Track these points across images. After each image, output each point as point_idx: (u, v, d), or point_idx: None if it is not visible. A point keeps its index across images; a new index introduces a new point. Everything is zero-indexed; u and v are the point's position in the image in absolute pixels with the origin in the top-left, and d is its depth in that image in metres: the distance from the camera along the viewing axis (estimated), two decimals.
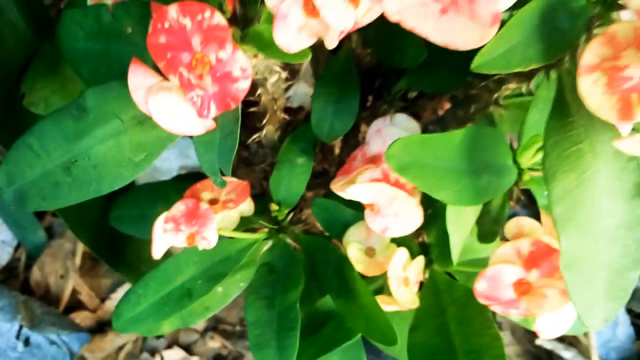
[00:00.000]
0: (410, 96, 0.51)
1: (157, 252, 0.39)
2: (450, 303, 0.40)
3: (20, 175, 0.34)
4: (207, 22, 0.28)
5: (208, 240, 0.38)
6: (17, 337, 0.71)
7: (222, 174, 0.32)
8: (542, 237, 0.37)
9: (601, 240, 0.31)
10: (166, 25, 0.28)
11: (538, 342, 0.72)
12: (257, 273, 0.42)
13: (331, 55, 0.42)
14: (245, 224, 0.44)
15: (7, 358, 0.69)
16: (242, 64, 0.29)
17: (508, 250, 0.36)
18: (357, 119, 0.44)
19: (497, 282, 0.36)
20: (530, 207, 0.73)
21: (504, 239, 0.39)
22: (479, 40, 0.23)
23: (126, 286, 0.72)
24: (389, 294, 0.39)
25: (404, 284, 0.39)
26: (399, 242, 0.41)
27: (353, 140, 0.52)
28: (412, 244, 0.42)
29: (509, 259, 0.36)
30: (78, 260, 0.74)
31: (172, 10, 0.28)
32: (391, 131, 0.39)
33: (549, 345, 0.72)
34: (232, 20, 0.30)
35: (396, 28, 0.25)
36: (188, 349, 0.73)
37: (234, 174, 0.49)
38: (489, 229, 0.40)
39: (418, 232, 0.46)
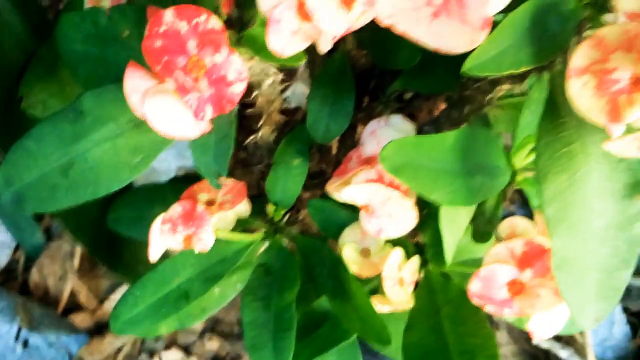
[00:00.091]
0: (405, 97, 0.51)
1: (154, 254, 0.39)
2: (445, 303, 0.41)
3: (18, 178, 0.34)
4: (202, 26, 0.28)
5: (204, 241, 0.38)
6: (16, 338, 0.71)
7: (219, 175, 0.33)
8: (535, 237, 0.37)
9: (592, 241, 0.31)
10: (162, 29, 0.29)
11: (535, 341, 0.72)
12: (254, 274, 0.42)
13: (327, 57, 0.43)
14: (242, 225, 0.45)
15: None
16: (237, 67, 0.29)
17: (502, 250, 0.37)
18: (353, 120, 0.44)
19: (491, 282, 0.36)
20: (527, 207, 0.73)
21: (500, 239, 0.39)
22: (469, 44, 0.24)
23: (124, 287, 0.72)
24: (384, 294, 0.40)
25: (398, 285, 0.40)
26: (394, 242, 0.42)
27: (350, 140, 0.53)
28: (407, 244, 0.43)
29: (503, 259, 0.37)
30: (76, 261, 0.74)
31: (168, 14, 0.28)
32: (386, 132, 0.40)
33: (545, 345, 0.72)
34: (228, 24, 0.31)
35: (390, 30, 0.25)
36: (186, 350, 0.73)
37: (231, 175, 0.50)
38: (483, 229, 0.40)
39: (414, 233, 0.46)
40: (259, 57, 0.30)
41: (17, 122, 0.45)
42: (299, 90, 0.58)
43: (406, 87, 0.44)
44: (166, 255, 0.42)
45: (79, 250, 0.74)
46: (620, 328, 0.73)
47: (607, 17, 0.27)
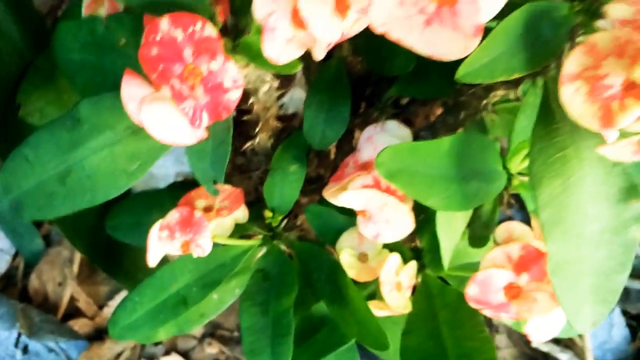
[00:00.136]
0: (402, 102, 0.51)
1: (152, 260, 0.39)
2: (442, 307, 0.41)
3: (16, 186, 0.34)
4: (198, 34, 0.29)
5: (202, 247, 0.38)
6: (16, 345, 0.71)
7: (215, 182, 0.33)
8: (531, 241, 0.38)
9: (587, 245, 0.31)
10: (158, 37, 0.29)
11: (534, 344, 0.72)
12: (252, 279, 0.42)
13: (323, 64, 0.43)
14: (240, 231, 0.45)
15: None
16: (233, 75, 0.29)
17: (498, 254, 0.37)
18: (350, 126, 0.44)
19: (488, 286, 0.36)
20: (525, 211, 0.74)
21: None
22: (462, 51, 0.24)
23: (124, 294, 0.72)
24: (382, 299, 0.40)
25: (396, 289, 0.40)
26: (391, 247, 0.42)
27: (347, 146, 0.53)
28: (404, 249, 0.43)
29: (500, 264, 0.37)
30: (76, 267, 0.74)
31: (164, 22, 0.29)
32: (382, 138, 0.40)
33: (545, 348, 0.72)
34: (224, 31, 0.31)
35: (385, 37, 0.26)
36: (186, 355, 0.73)
37: (228, 181, 0.50)
38: (480, 233, 0.40)
39: (411, 238, 0.46)
40: (255, 65, 0.30)
41: (15, 130, 0.46)
42: (297, 96, 0.59)
43: (402, 93, 0.44)
44: (165, 261, 0.42)
45: (78, 256, 0.74)
46: (619, 331, 0.73)
47: (599, 23, 0.27)
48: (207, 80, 0.29)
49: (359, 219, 0.39)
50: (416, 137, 0.44)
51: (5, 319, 0.71)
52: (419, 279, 0.43)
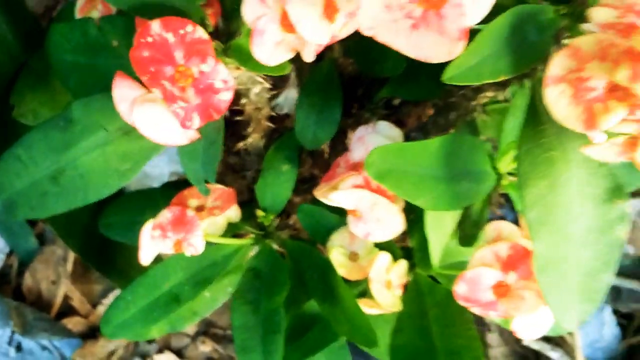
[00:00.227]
0: (394, 103, 0.52)
1: (144, 259, 0.40)
2: (432, 305, 0.41)
3: (9, 185, 0.34)
4: (189, 36, 0.29)
5: (194, 246, 0.39)
6: (10, 343, 0.71)
7: (207, 181, 0.33)
8: (520, 240, 0.38)
9: (573, 244, 0.32)
10: (149, 39, 0.29)
11: (525, 342, 0.73)
12: (243, 278, 0.43)
13: (314, 65, 0.43)
14: (232, 230, 0.45)
15: None
16: (223, 77, 0.30)
17: (487, 253, 0.37)
18: (343, 126, 0.45)
19: (477, 285, 0.37)
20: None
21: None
22: (448, 54, 0.24)
23: (117, 292, 0.73)
24: (372, 297, 0.40)
25: (386, 287, 0.40)
26: (382, 246, 0.42)
27: (340, 146, 0.53)
28: (395, 248, 0.43)
29: (488, 262, 0.37)
30: (69, 266, 0.74)
31: (155, 25, 0.29)
32: (373, 139, 0.40)
33: (536, 346, 0.72)
34: (215, 34, 0.31)
35: (374, 40, 0.26)
36: (179, 353, 0.74)
37: (222, 181, 0.50)
38: (469, 232, 0.41)
39: (403, 237, 0.47)
40: (245, 67, 0.30)
41: (8, 130, 0.46)
42: (292, 97, 0.59)
43: (392, 94, 0.44)
44: (158, 260, 0.42)
45: (72, 255, 0.74)
46: (610, 329, 0.74)
47: (585, 26, 0.28)
48: (198, 82, 0.30)
49: (350, 218, 0.40)
50: (408, 138, 0.44)
51: None
52: (410, 278, 0.44)
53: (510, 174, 0.39)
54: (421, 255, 0.43)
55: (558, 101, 0.26)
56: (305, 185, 0.55)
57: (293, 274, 0.43)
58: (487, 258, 0.37)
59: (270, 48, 0.27)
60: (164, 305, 0.43)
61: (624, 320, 0.74)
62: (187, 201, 0.42)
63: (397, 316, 0.41)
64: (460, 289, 0.37)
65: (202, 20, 0.30)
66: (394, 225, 0.39)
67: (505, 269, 0.37)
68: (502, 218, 0.54)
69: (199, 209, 0.42)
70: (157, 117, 0.30)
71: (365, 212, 0.39)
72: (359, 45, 0.42)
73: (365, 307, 0.41)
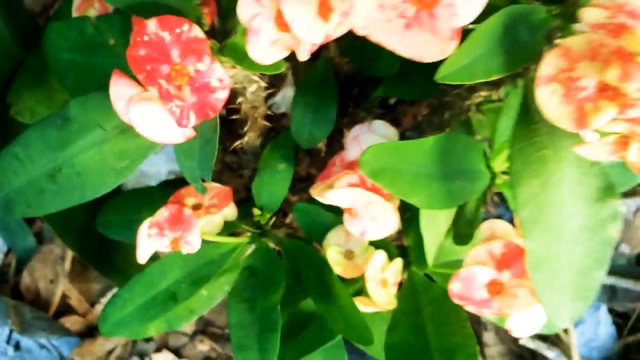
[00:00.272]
0: (390, 102, 0.52)
1: (141, 257, 0.40)
2: (427, 303, 0.41)
3: (6, 183, 0.35)
4: (185, 35, 0.29)
5: (191, 244, 0.39)
6: (8, 341, 0.71)
7: (203, 180, 0.34)
8: (514, 239, 0.38)
9: (566, 242, 0.32)
10: (145, 38, 0.29)
11: (522, 341, 0.73)
12: (240, 276, 0.43)
13: (310, 64, 0.44)
14: (229, 229, 0.45)
15: None
16: (219, 75, 0.30)
17: (481, 252, 0.38)
18: (340, 125, 0.45)
19: (471, 283, 0.37)
20: None
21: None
22: (440, 54, 0.25)
23: (115, 291, 0.73)
24: (368, 295, 0.40)
25: (381, 286, 0.41)
26: (377, 245, 0.42)
27: (337, 145, 0.53)
28: (390, 246, 0.44)
29: (482, 261, 0.37)
30: (68, 265, 0.74)
31: (151, 24, 0.29)
32: (368, 137, 0.41)
33: (532, 345, 0.73)
34: (211, 33, 0.32)
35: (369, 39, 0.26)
36: (177, 352, 0.74)
37: (218, 180, 0.50)
38: (464, 231, 0.41)
39: (399, 237, 0.47)
40: (240, 66, 0.31)
41: (5, 128, 0.46)
42: (289, 95, 0.59)
43: (387, 94, 0.45)
44: (155, 258, 0.42)
45: (70, 253, 0.74)
46: (605, 329, 0.74)
47: (577, 26, 0.28)
48: (194, 80, 0.30)
49: (346, 216, 0.40)
50: (403, 137, 0.44)
51: None
52: (405, 276, 0.44)
53: (504, 173, 0.40)
54: (416, 253, 0.43)
55: (549, 100, 0.26)
56: (303, 184, 0.55)
57: (289, 272, 0.43)
58: (481, 256, 0.38)
59: (266, 47, 0.27)
60: (161, 303, 0.43)
61: (620, 319, 0.74)
62: (184, 199, 0.43)
63: (392, 314, 0.42)
64: (454, 287, 0.37)
65: (199, 19, 0.30)
66: (389, 223, 0.39)
67: (499, 267, 0.37)
68: (499, 217, 0.54)
69: (196, 207, 0.42)
70: (153, 115, 0.31)
71: (360, 210, 0.39)
72: (354, 45, 0.42)
73: (361, 305, 0.41)
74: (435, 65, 0.28)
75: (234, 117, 0.42)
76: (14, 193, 0.34)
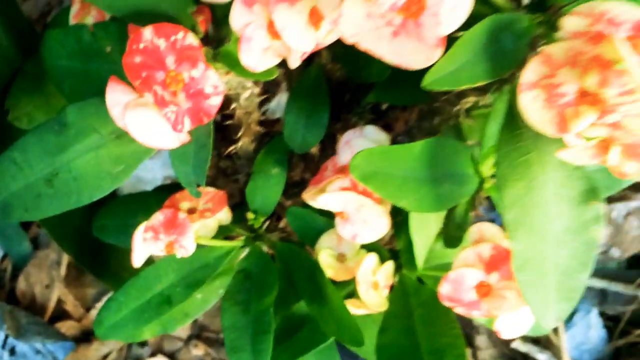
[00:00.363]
0: (382, 108, 0.53)
1: (137, 261, 0.41)
2: (418, 305, 0.42)
3: (4, 187, 0.35)
4: (180, 43, 0.30)
5: (185, 248, 0.40)
6: (3, 346, 0.72)
7: (199, 185, 0.34)
8: (502, 241, 0.39)
9: (551, 244, 0.33)
10: (141, 45, 0.30)
11: (513, 345, 0.74)
12: (234, 279, 0.44)
13: (302, 71, 0.44)
14: (224, 232, 0.46)
15: None
16: (213, 82, 0.31)
17: (470, 254, 0.38)
18: (333, 130, 0.46)
19: (460, 285, 0.38)
20: None
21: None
22: (426, 61, 0.25)
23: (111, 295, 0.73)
24: (359, 297, 0.41)
25: (372, 288, 0.41)
26: (369, 248, 0.43)
27: (330, 150, 0.54)
28: (382, 249, 0.44)
29: (471, 263, 0.38)
30: (63, 270, 0.75)
31: (147, 32, 0.30)
32: (360, 142, 0.41)
33: (524, 348, 0.74)
34: (205, 40, 0.32)
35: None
36: (172, 356, 0.74)
37: (213, 184, 0.51)
38: (453, 234, 0.42)
39: (390, 240, 0.48)
40: (234, 73, 0.31)
41: (3, 134, 0.47)
42: (284, 101, 0.60)
43: (379, 99, 0.46)
44: (151, 262, 0.43)
45: (65, 258, 0.75)
46: (596, 332, 0.75)
47: (558, 34, 0.29)
48: (189, 86, 0.31)
49: (337, 220, 0.41)
50: (395, 142, 0.45)
51: None
52: (396, 279, 0.45)
53: (493, 176, 0.40)
54: (407, 256, 0.44)
55: (531, 106, 0.27)
56: (296, 189, 0.56)
57: (282, 275, 0.44)
58: (470, 259, 0.38)
59: (258, 54, 0.28)
60: (156, 306, 0.43)
61: (611, 322, 0.75)
62: (179, 204, 0.43)
63: (384, 316, 0.42)
64: (444, 290, 0.38)
65: (193, 27, 0.31)
66: (380, 226, 0.40)
67: (488, 269, 0.38)
68: (491, 221, 0.55)
69: (191, 211, 0.43)
70: (148, 120, 0.31)
71: (352, 214, 0.40)
72: (346, 52, 0.43)
73: (353, 307, 0.42)
74: (425, 72, 0.28)
75: (228, 122, 0.43)
76: (11, 197, 0.35)
